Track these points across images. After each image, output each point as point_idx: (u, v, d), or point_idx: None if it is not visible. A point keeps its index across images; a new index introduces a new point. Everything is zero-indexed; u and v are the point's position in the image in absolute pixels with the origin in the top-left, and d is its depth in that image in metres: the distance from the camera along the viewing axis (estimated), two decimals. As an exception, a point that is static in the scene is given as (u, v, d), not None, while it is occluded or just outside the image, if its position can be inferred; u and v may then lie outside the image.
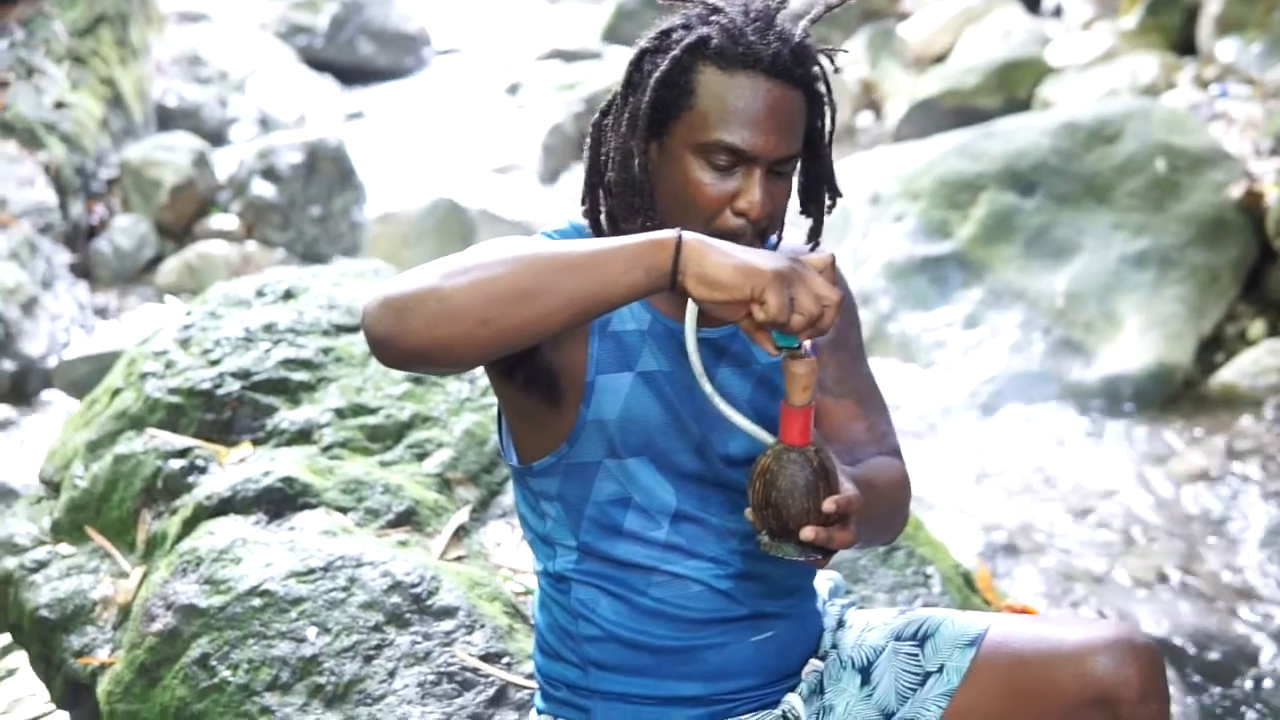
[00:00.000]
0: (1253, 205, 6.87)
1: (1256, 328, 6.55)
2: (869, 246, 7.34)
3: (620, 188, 2.15)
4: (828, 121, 2.19)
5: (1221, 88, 8.41)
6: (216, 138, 10.09)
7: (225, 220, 8.56)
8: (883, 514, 2.24)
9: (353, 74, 12.58)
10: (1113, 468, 5.82)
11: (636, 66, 2.16)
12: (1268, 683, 4.20)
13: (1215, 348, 6.55)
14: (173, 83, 10.51)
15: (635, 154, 2.13)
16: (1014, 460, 5.93)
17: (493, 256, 1.88)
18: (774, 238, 2.24)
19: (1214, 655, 4.37)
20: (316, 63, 12.44)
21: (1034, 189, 7.18)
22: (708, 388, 1.97)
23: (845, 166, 8.04)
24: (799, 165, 2.19)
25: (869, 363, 2.42)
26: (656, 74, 2.10)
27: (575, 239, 1.99)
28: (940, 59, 10.89)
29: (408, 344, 1.88)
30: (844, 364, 2.35)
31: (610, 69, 11.73)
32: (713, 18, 2.11)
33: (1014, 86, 9.81)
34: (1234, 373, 6.32)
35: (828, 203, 2.25)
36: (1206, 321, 6.60)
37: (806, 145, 2.16)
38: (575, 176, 9.89)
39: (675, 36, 2.13)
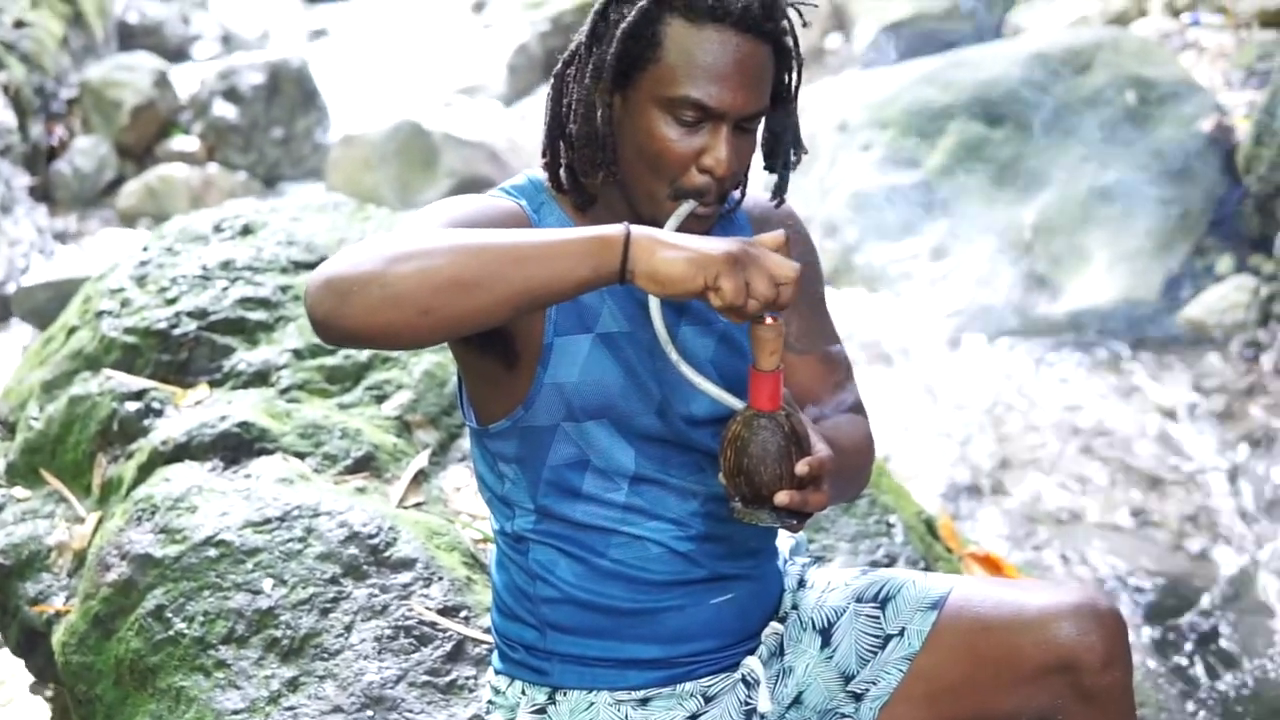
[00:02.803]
0: (1222, 139, 6.83)
1: (1224, 263, 6.53)
2: (836, 175, 7.29)
3: (582, 141, 2.10)
4: (795, 77, 2.15)
5: (1193, 16, 8.34)
6: (178, 55, 9.99)
7: (186, 142, 8.48)
8: (850, 473, 2.21)
9: (316, -12, 12.43)
10: (1078, 404, 5.82)
11: (602, 16, 2.10)
12: (1225, 627, 4.21)
13: (1182, 283, 6.53)
14: (134, -1, 10.38)
15: (598, 106, 2.08)
16: (978, 395, 5.92)
17: (438, 243, 1.83)
18: (737, 194, 2.20)
19: (1174, 599, 4.38)
20: (280, -23, 12.30)
21: (1003, 120, 7.14)
22: (674, 356, 1.93)
23: (813, 92, 7.98)
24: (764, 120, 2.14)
25: (830, 313, 2.39)
26: (623, 25, 2.05)
27: (524, 229, 1.93)
28: (910, -20, 10.79)
29: (347, 326, 1.83)
30: (807, 319, 2.32)
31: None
32: (681, -32, 2.05)
33: (984, 11, 9.73)
34: (1201, 309, 6.30)
35: (793, 159, 2.21)
36: (1174, 257, 6.58)
37: (773, 100, 2.12)
38: (540, 99, 9.78)
39: (643, -13, 2.07)
